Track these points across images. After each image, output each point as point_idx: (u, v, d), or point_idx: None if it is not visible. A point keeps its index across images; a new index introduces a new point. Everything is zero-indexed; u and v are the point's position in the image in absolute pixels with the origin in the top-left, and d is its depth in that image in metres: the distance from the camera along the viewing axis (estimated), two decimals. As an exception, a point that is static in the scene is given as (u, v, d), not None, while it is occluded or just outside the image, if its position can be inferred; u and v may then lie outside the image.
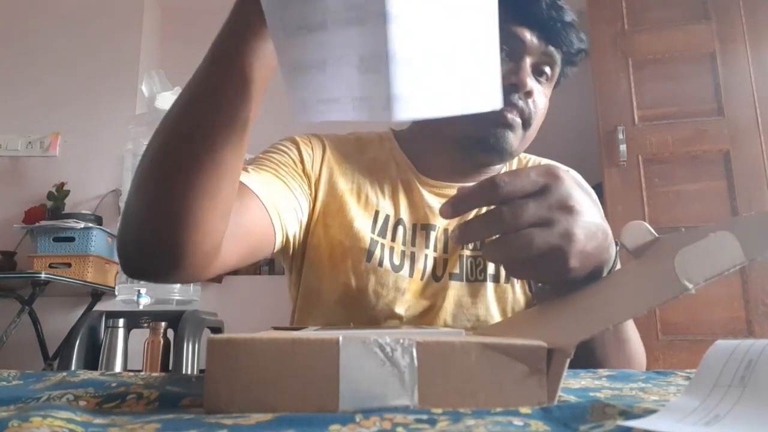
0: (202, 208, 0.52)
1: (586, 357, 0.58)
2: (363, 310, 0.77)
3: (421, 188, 0.83)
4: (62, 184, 2.67)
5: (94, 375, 0.45)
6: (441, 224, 0.82)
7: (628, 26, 2.53)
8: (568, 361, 0.31)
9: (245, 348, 0.31)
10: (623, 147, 2.39)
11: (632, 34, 2.52)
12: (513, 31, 0.75)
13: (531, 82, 0.75)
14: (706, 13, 2.47)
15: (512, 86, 0.74)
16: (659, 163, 2.40)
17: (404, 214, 0.82)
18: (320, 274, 0.80)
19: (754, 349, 0.27)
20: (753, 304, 2.21)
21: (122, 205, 2.52)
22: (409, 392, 0.30)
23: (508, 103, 0.74)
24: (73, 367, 2.08)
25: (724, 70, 2.41)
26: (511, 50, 0.75)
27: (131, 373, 0.47)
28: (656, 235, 0.44)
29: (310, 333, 0.33)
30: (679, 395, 0.27)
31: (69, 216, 2.49)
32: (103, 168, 2.77)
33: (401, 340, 0.31)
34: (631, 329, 0.62)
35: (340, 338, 0.31)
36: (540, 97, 0.77)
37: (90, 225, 2.48)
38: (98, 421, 0.28)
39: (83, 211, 2.59)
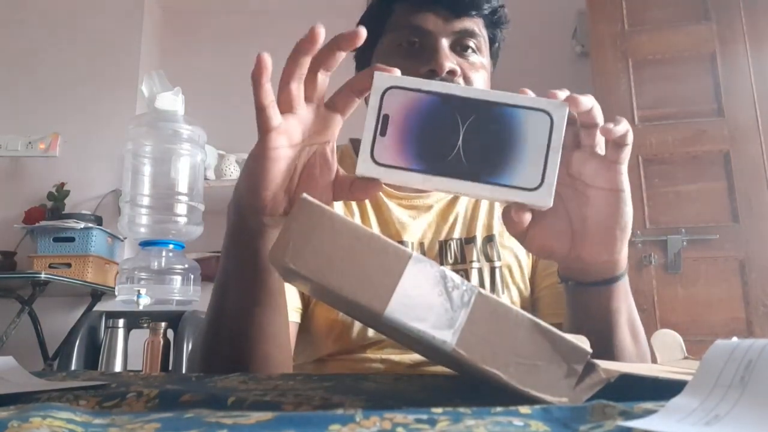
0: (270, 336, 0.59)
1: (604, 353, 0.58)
2: (348, 327, 0.75)
3: (388, 202, 0.81)
4: (62, 184, 2.67)
5: (93, 375, 0.45)
6: (414, 239, 0.81)
7: (628, 26, 2.53)
8: (604, 384, 0.32)
9: (330, 219, 0.33)
10: (623, 147, 2.38)
11: (632, 34, 2.52)
12: (416, 23, 0.76)
13: (451, 63, 0.74)
14: (706, 13, 2.47)
15: (431, 72, 0.74)
16: (659, 163, 2.40)
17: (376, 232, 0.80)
18: (304, 298, 0.77)
19: (754, 349, 0.27)
20: (753, 305, 2.20)
21: (122, 205, 2.51)
22: (453, 332, 0.31)
23: None
24: (73, 367, 2.08)
25: (724, 70, 2.41)
26: (420, 43, 0.76)
27: (131, 374, 0.47)
28: (686, 353, 0.46)
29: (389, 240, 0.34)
30: (679, 395, 0.27)
31: (69, 216, 2.49)
32: (103, 168, 2.77)
33: (465, 284, 0.32)
34: (642, 336, 0.62)
35: (414, 254, 0.32)
36: (473, 72, 0.77)
37: (90, 225, 2.47)
38: (98, 421, 0.28)
39: (83, 211, 2.58)
